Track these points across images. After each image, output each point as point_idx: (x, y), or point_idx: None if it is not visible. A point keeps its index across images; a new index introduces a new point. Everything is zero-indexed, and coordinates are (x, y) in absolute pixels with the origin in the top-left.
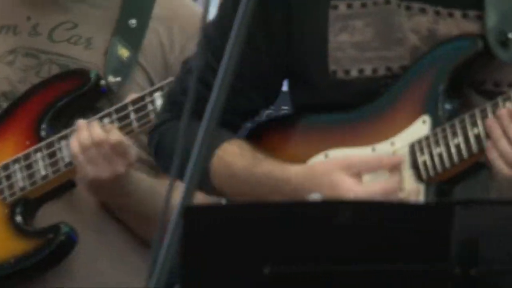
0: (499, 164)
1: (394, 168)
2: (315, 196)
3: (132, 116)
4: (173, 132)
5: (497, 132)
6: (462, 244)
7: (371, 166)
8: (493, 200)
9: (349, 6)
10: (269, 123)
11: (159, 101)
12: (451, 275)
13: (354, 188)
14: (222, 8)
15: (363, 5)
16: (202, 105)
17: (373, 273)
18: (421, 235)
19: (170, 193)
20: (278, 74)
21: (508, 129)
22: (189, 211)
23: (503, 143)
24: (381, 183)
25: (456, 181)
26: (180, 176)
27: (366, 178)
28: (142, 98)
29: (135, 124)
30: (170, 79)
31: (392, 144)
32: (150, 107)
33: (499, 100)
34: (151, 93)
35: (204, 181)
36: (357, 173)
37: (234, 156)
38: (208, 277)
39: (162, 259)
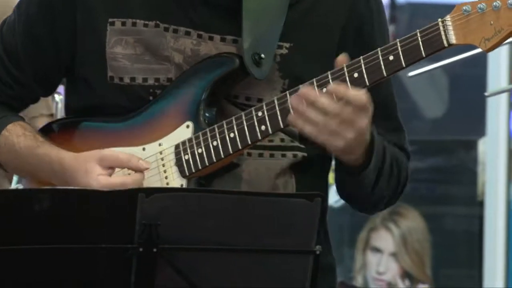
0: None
1: (139, 169)
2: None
3: None
4: None
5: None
6: (146, 225)
7: (120, 163)
8: (174, 188)
9: (123, 24)
10: (56, 124)
11: None
12: (136, 252)
13: (98, 177)
14: (18, 11)
15: (134, 24)
16: None
17: (65, 252)
18: (111, 217)
19: None
20: (60, 70)
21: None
22: None
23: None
24: (122, 177)
25: (213, 176)
26: None
27: (119, 172)
28: None
29: None
30: None
31: (160, 144)
32: None
33: (252, 109)
34: None
35: None
36: (109, 166)
37: (18, 136)
38: None
39: None
